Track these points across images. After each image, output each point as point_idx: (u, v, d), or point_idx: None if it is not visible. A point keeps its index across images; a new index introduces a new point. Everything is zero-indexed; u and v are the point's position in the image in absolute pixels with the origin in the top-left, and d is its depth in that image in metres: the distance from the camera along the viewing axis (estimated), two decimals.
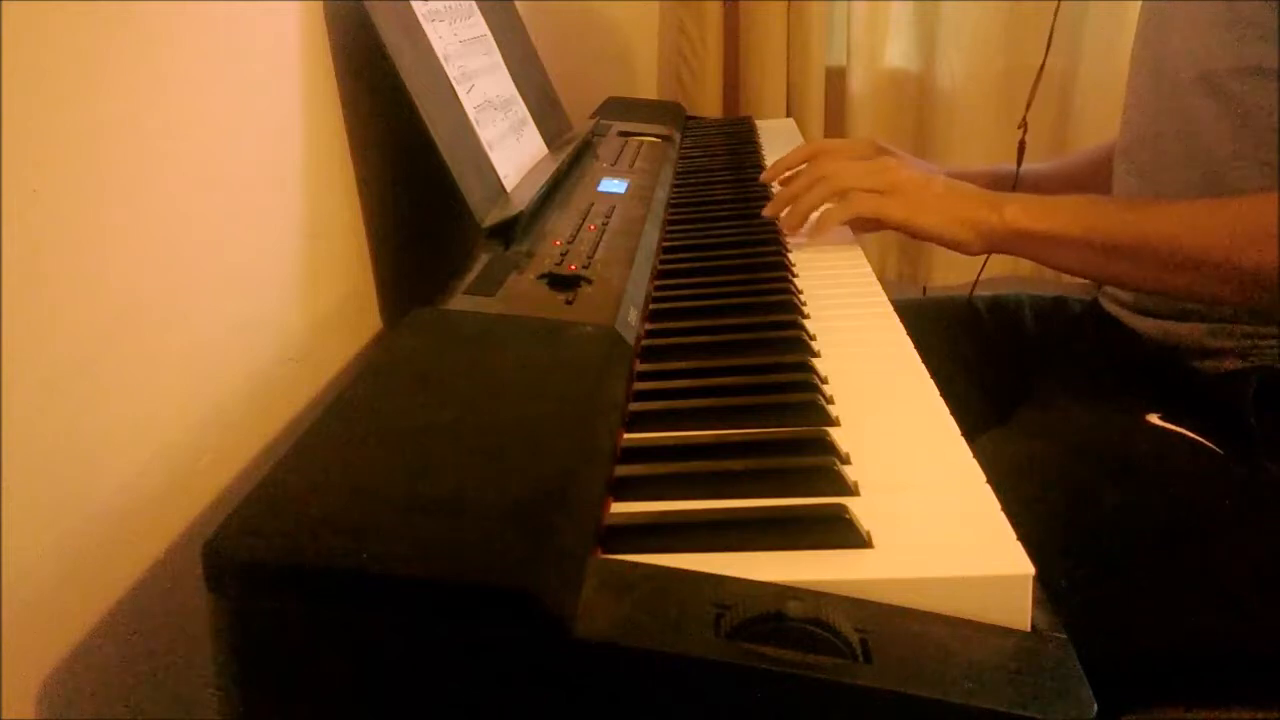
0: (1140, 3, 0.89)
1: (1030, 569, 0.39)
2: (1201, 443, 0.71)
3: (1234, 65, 0.72)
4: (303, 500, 0.39)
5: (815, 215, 0.82)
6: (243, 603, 0.36)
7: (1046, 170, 1.04)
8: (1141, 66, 0.85)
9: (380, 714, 0.37)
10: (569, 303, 0.62)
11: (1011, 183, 1.03)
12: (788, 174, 0.98)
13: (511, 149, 0.88)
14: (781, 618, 0.36)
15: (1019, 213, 0.76)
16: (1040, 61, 1.01)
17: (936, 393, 0.55)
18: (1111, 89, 1.45)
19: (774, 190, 0.98)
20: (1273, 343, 0.74)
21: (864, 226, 0.84)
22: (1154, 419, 0.74)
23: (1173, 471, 0.70)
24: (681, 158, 1.16)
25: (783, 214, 0.84)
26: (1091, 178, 1.01)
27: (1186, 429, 0.72)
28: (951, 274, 1.60)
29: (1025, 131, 1.00)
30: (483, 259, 0.69)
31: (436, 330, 0.56)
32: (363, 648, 0.36)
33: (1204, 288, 0.72)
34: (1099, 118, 1.47)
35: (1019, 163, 1.00)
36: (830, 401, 0.54)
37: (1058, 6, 0.99)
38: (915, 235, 0.79)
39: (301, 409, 0.69)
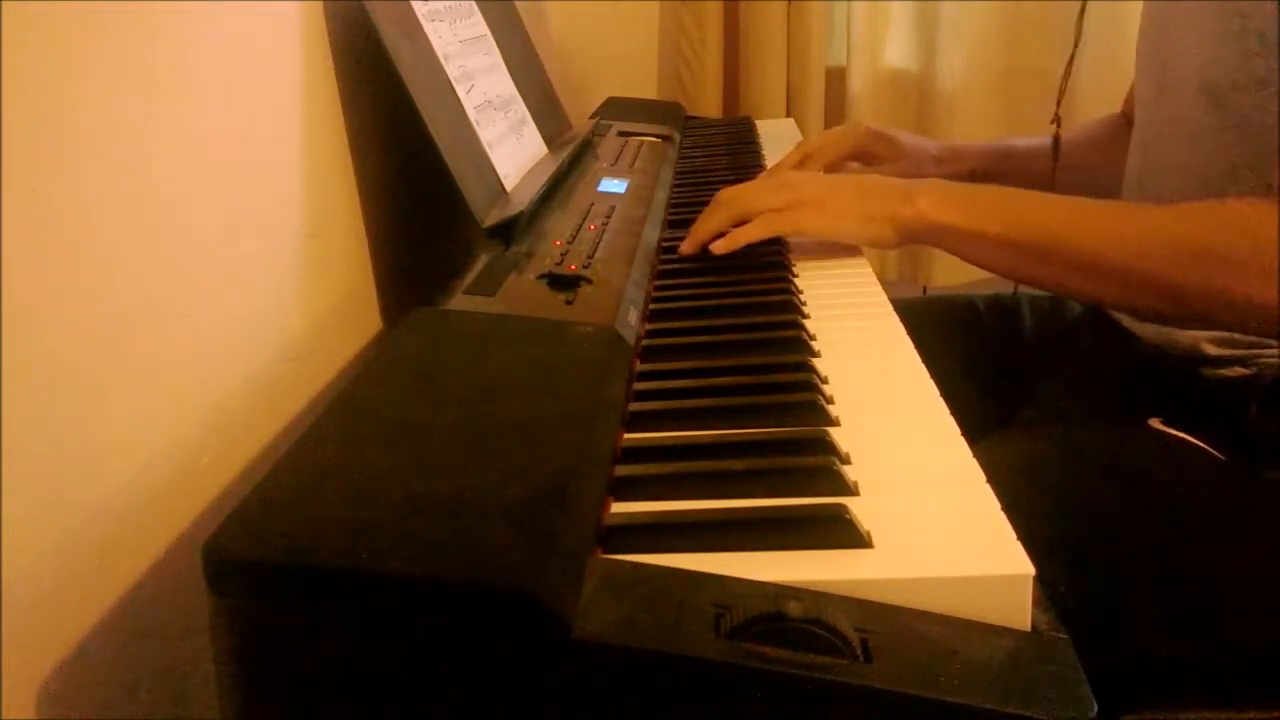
0: (1142, 1, 0.89)
1: (1030, 569, 0.39)
2: (1203, 448, 0.71)
3: (1239, 78, 0.71)
4: (303, 500, 0.39)
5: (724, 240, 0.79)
6: (243, 603, 0.36)
7: (1034, 145, 1.04)
8: (1143, 68, 0.85)
9: (380, 714, 0.37)
10: (569, 303, 0.62)
11: (1009, 160, 1.02)
12: None
13: (511, 149, 0.88)
14: (781, 618, 0.35)
15: (933, 205, 0.73)
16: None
17: (936, 393, 0.55)
18: (1112, 89, 1.44)
19: None
20: (1275, 350, 0.74)
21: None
22: (1156, 423, 0.74)
23: (1174, 476, 0.70)
24: (681, 158, 1.16)
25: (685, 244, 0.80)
26: (1088, 154, 1.01)
27: (1188, 434, 0.72)
28: (951, 274, 1.60)
29: (1059, 126, 0.98)
30: (483, 259, 0.69)
31: (436, 330, 0.56)
32: (363, 648, 0.36)
33: (1135, 301, 0.70)
34: (1095, 112, 1.47)
35: (1055, 158, 0.98)
36: (830, 401, 0.54)
37: (1084, 6, 0.98)
38: (834, 240, 0.78)
39: (301, 409, 0.69)
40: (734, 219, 0.78)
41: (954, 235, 0.73)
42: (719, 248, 0.77)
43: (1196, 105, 0.74)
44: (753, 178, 1.01)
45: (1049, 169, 0.99)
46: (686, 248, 0.80)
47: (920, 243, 0.76)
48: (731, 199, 0.79)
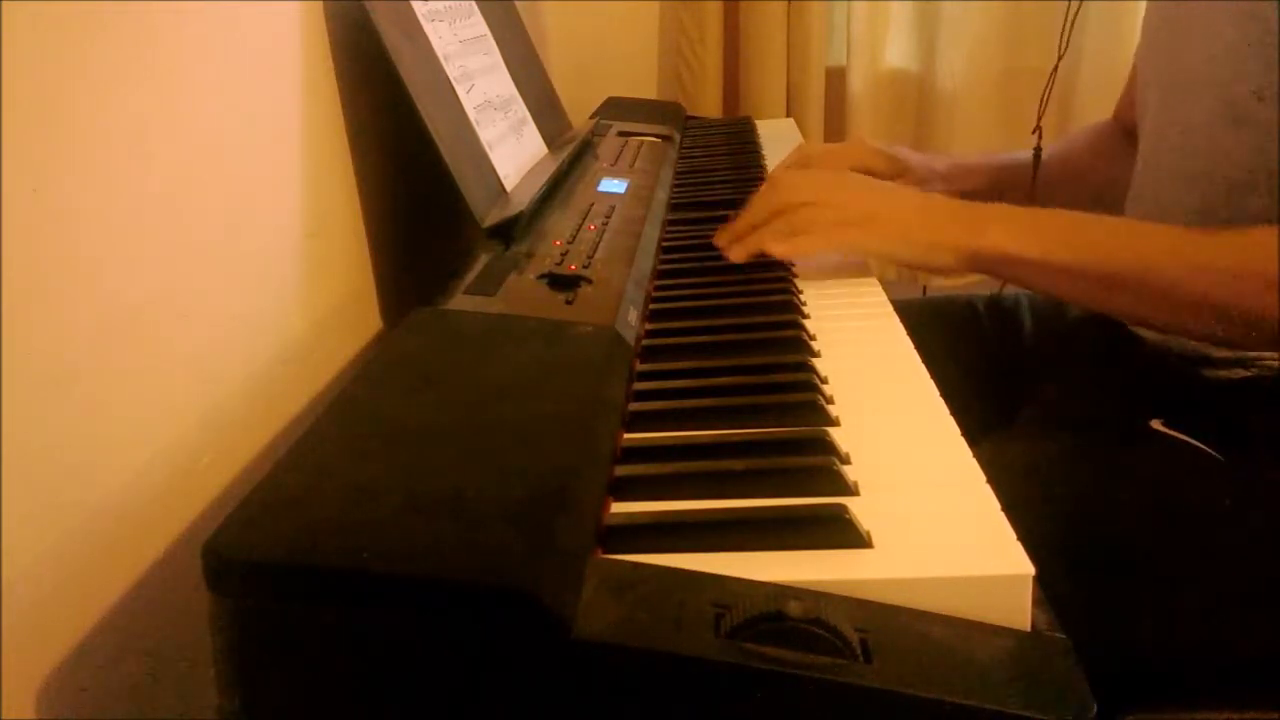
0: (1145, 2, 0.88)
1: (1030, 569, 0.39)
2: (1203, 449, 0.71)
3: (1259, 88, 0.69)
4: (303, 500, 0.39)
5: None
6: (243, 603, 0.36)
7: (1046, 155, 1.03)
8: (1150, 74, 0.84)
9: (380, 714, 0.37)
10: (569, 303, 0.62)
11: (1016, 173, 1.02)
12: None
13: (511, 149, 0.88)
14: (781, 618, 0.36)
15: (1003, 235, 0.70)
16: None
17: (936, 393, 0.55)
18: (1112, 89, 1.44)
19: None
20: (1275, 352, 0.73)
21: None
22: (1157, 424, 0.74)
23: (1174, 477, 0.70)
24: (681, 158, 1.16)
25: (729, 245, 0.76)
26: (1090, 161, 1.00)
27: (1189, 435, 0.72)
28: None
29: (1040, 137, 0.96)
30: (483, 259, 0.69)
31: (436, 330, 0.56)
32: (363, 648, 0.36)
33: (1214, 328, 0.68)
34: (1095, 117, 1.47)
35: (1035, 168, 0.96)
36: (830, 401, 0.54)
37: (1075, 8, 0.96)
38: (890, 262, 0.76)
39: (301, 409, 0.69)
40: (788, 231, 0.74)
41: (1026, 266, 0.70)
42: (774, 251, 0.74)
43: (1213, 114, 0.73)
44: (753, 178, 1.02)
45: (1053, 179, 0.99)
46: (738, 255, 0.76)
47: (983, 272, 0.73)
48: (781, 206, 0.75)
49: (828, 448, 0.48)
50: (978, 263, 0.72)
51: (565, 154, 0.92)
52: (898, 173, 1.00)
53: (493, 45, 0.96)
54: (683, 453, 0.49)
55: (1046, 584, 0.39)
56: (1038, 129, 0.96)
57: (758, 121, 1.38)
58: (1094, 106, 1.49)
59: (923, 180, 1.00)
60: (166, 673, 0.54)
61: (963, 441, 0.49)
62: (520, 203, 0.76)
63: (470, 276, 0.66)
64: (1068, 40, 0.96)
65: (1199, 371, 0.77)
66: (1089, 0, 1.46)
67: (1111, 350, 0.86)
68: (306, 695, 0.37)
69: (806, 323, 0.66)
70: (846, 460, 0.48)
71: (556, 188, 0.88)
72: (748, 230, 0.76)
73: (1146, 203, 0.82)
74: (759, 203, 0.77)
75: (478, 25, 0.94)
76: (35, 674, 0.46)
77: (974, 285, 1.16)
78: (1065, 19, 0.95)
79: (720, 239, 0.78)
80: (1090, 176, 1.00)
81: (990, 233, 0.70)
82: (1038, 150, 0.97)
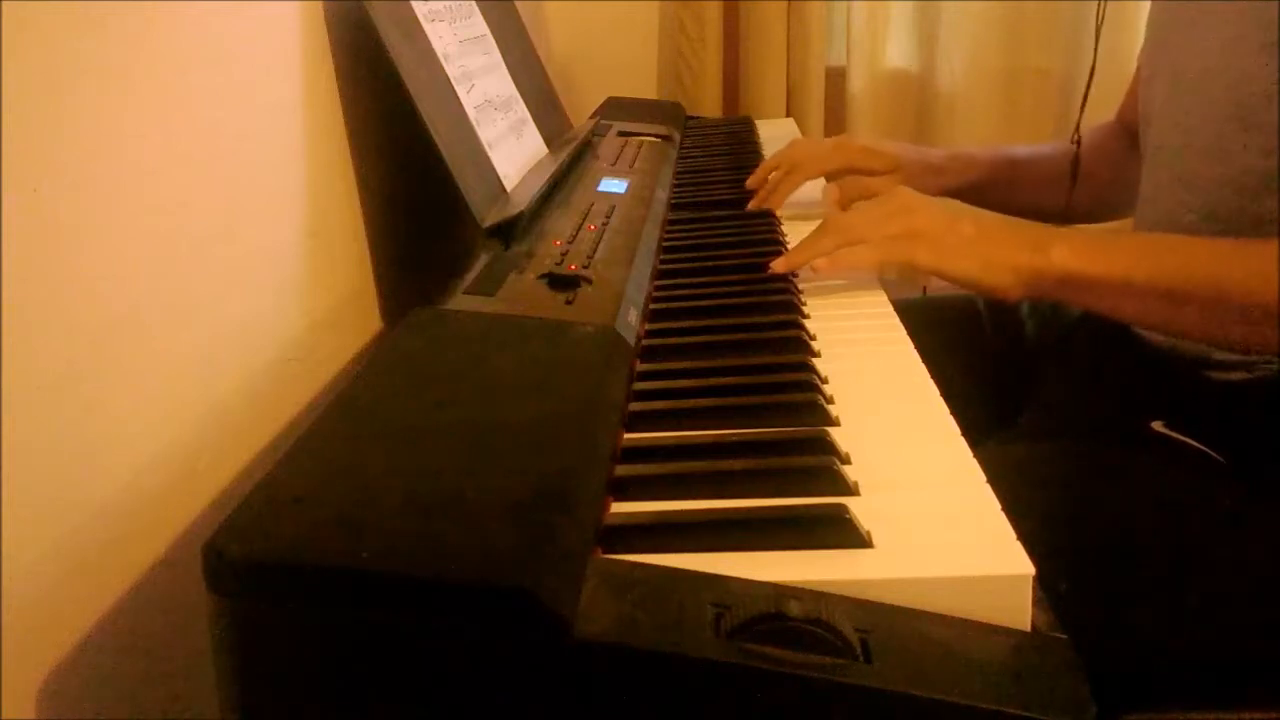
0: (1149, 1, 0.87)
1: (1030, 569, 0.39)
2: (1204, 451, 0.71)
3: (1267, 92, 0.68)
4: (303, 500, 0.39)
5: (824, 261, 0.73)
6: (243, 603, 0.36)
7: (1037, 154, 1.02)
8: (1154, 71, 0.83)
9: (379, 713, 0.37)
10: (569, 303, 0.62)
11: (1013, 168, 1.00)
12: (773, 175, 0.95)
13: (511, 149, 0.88)
14: (781, 618, 0.36)
15: (1069, 255, 0.67)
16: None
17: (936, 393, 0.55)
18: (1114, 90, 1.45)
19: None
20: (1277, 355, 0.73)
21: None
22: (1158, 426, 0.74)
23: (1175, 478, 0.69)
24: (681, 158, 1.16)
25: (780, 262, 0.75)
26: (1089, 163, 0.99)
27: (1190, 437, 0.72)
28: None
29: (1080, 144, 0.94)
30: (483, 259, 0.69)
31: (436, 330, 0.56)
32: (362, 647, 0.36)
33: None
34: (1102, 119, 1.47)
35: (1073, 176, 0.93)
36: (830, 401, 0.54)
37: (1103, 8, 0.94)
38: (947, 280, 0.72)
39: (301, 409, 0.69)
40: (842, 246, 0.72)
41: (1093, 286, 0.68)
42: (821, 266, 0.72)
43: (1221, 115, 0.72)
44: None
45: (1054, 174, 0.98)
46: (780, 267, 0.74)
47: (1045, 295, 0.71)
48: (841, 226, 0.73)
49: (828, 448, 0.48)
50: (1040, 282, 0.70)
51: (565, 154, 0.92)
52: (887, 169, 0.99)
53: (493, 45, 0.96)
54: (683, 453, 0.49)
55: (1046, 584, 0.39)
56: (1076, 133, 0.94)
57: (758, 121, 1.38)
58: (1099, 108, 1.49)
59: (911, 176, 0.99)
60: (166, 673, 0.54)
61: (963, 441, 0.49)
62: (520, 203, 0.76)
63: (470, 276, 0.66)
64: (1098, 41, 0.94)
65: (1200, 373, 0.76)
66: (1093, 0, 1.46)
67: (1113, 351, 0.86)
68: (306, 695, 0.37)
69: (806, 323, 0.66)
70: (846, 460, 0.48)
71: (556, 188, 0.88)
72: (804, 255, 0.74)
73: (1153, 205, 0.81)
74: (816, 231, 0.75)
75: (478, 25, 0.94)
76: (35, 674, 0.46)
77: None
78: (1096, 19, 0.93)
79: (779, 266, 0.75)
80: (1089, 178, 1.00)
81: (1054, 252, 0.68)
82: (1076, 155, 0.94)
